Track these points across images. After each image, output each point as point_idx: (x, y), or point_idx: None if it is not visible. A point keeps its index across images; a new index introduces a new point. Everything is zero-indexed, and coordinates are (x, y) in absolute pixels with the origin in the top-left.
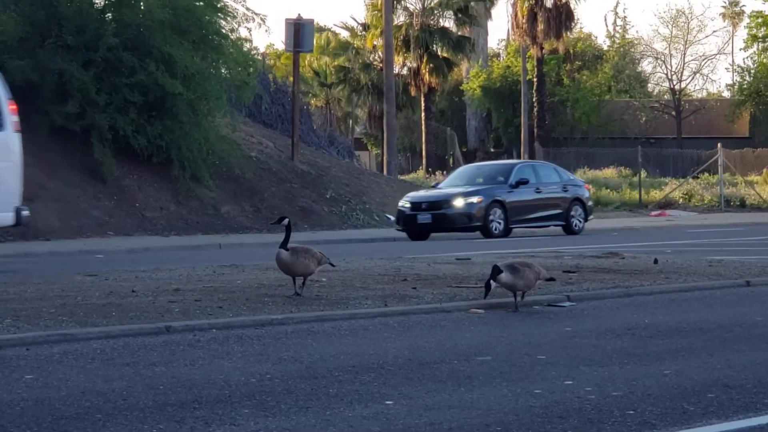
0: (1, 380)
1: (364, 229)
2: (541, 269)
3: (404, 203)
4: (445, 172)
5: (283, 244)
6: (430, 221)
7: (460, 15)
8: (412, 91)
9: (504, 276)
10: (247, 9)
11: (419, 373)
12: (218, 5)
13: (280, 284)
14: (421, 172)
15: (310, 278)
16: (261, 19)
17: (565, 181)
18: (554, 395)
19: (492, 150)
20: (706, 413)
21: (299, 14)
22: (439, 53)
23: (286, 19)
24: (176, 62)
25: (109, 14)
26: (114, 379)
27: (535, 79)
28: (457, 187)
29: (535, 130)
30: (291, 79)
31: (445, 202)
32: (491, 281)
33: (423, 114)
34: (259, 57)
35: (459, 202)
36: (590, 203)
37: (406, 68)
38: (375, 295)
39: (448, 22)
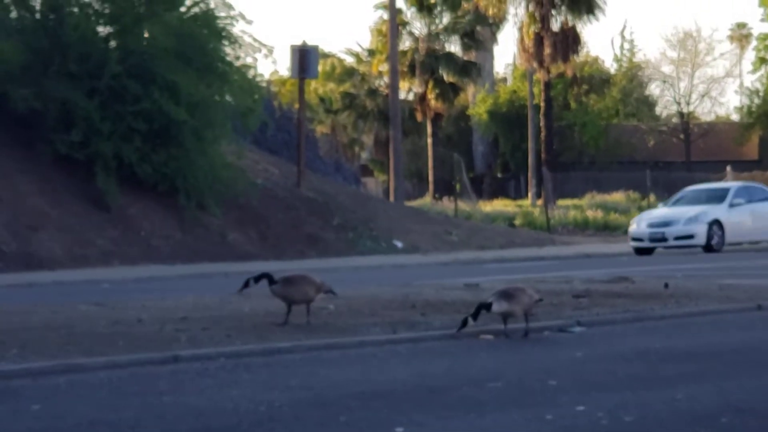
0: (8, 411)
1: (372, 255)
2: (532, 292)
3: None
4: (452, 198)
5: (271, 282)
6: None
7: (466, 40)
8: (419, 117)
9: (499, 305)
10: (254, 39)
11: (429, 400)
12: (223, 33)
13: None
14: (428, 198)
15: (311, 305)
16: (268, 50)
17: None
18: (566, 421)
19: (499, 175)
20: None
21: (304, 41)
22: (445, 78)
23: (291, 46)
24: (181, 90)
25: (113, 42)
26: (122, 408)
27: (542, 103)
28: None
29: (543, 155)
30: (296, 105)
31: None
32: (470, 318)
33: (430, 139)
34: (264, 84)
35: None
36: None
37: (412, 94)
38: (383, 322)
39: (454, 47)
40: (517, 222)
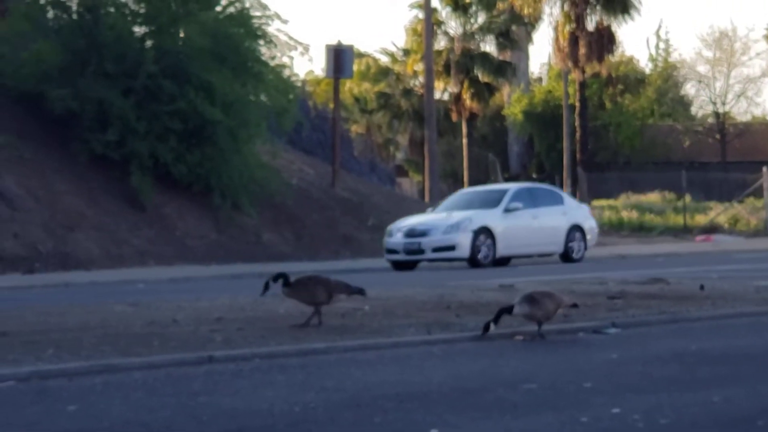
0: (43, 411)
1: None
2: (562, 297)
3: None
4: None
5: (285, 284)
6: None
7: (501, 39)
8: (454, 117)
9: (521, 308)
10: (290, 38)
11: (464, 401)
12: (259, 33)
13: (323, 313)
14: None
15: (335, 305)
16: (303, 47)
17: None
18: (601, 423)
19: (534, 176)
20: None
21: (339, 40)
22: (480, 78)
23: (327, 45)
24: (216, 89)
25: (149, 42)
26: (157, 409)
27: (577, 103)
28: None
29: (578, 155)
30: (331, 105)
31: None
32: (492, 323)
33: (465, 140)
34: (299, 83)
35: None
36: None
37: (447, 93)
38: (418, 323)
39: (489, 47)
40: None
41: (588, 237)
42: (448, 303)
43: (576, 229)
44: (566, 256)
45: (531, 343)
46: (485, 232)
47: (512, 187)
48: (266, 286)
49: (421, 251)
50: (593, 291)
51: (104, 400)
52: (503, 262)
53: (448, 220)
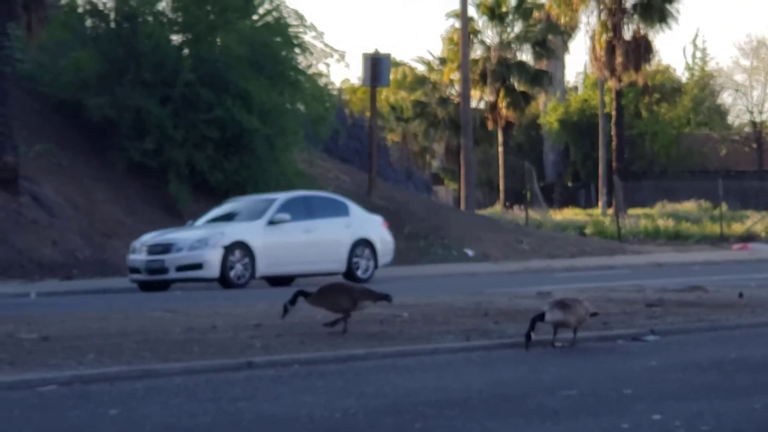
0: (85, 416)
1: (443, 264)
2: (588, 304)
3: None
4: (522, 207)
5: (305, 296)
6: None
7: (537, 48)
8: (489, 126)
9: (553, 314)
10: (326, 45)
11: (504, 408)
12: (296, 41)
13: (360, 319)
14: (498, 207)
15: (365, 312)
16: (339, 55)
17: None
18: (642, 430)
19: (570, 184)
20: None
21: (376, 49)
22: (517, 87)
23: (364, 54)
24: (253, 98)
25: (187, 50)
26: (197, 414)
27: (613, 112)
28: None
29: (614, 164)
30: (368, 113)
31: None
32: (530, 333)
33: (500, 148)
34: (336, 92)
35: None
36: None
37: (483, 102)
38: (457, 330)
39: (526, 56)
40: (588, 231)
41: (379, 254)
42: (485, 310)
43: (363, 245)
44: (350, 275)
45: (569, 350)
46: (241, 247)
47: (281, 196)
48: (285, 310)
49: (164, 270)
50: (631, 299)
51: (145, 404)
52: (284, 281)
53: (196, 234)
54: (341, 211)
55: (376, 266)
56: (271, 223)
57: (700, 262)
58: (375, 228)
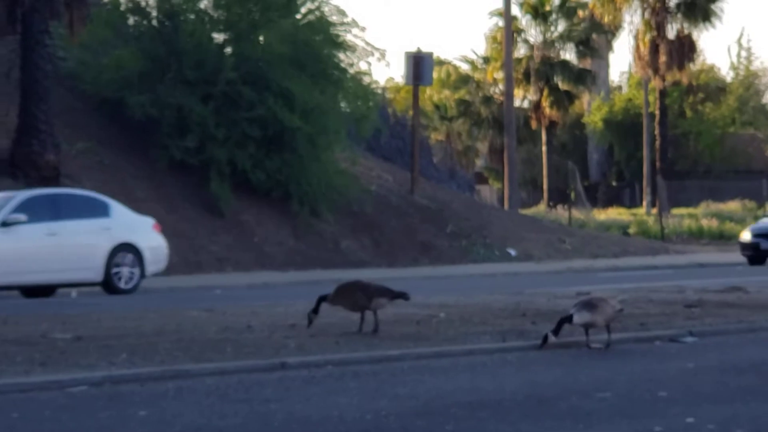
0: (115, 416)
1: (485, 263)
2: (614, 302)
3: None
4: (565, 206)
5: (326, 299)
6: None
7: (581, 47)
8: (533, 125)
9: (581, 316)
10: (367, 43)
11: (537, 410)
12: (338, 40)
13: (396, 320)
14: (542, 206)
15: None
16: (381, 53)
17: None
18: None
19: (614, 184)
20: None
21: (419, 48)
22: (560, 86)
23: (406, 53)
24: (295, 96)
25: (229, 48)
26: (229, 415)
27: (657, 112)
28: None
29: (658, 163)
30: (410, 112)
31: None
32: (551, 333)
33: (544, 147)
34: (379, 90)
35: None
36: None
37: (526, 101)
38: (493, 331)
39: (569, 55)
40: (632, 230)
41: (147, 261)
42: (524, 310)
43: (126, 250)
44: (109, 285)
45: (606, 352)
46: None
47: (20, 194)
48: (310, 320)
49: None
50: (671, 299)
51: (176, 405)
52: (41, 291)
53: None
54: (99, 211)
55: (143, 275)
56: (4, 224)
57: (743, 262)
58: (144, 232)
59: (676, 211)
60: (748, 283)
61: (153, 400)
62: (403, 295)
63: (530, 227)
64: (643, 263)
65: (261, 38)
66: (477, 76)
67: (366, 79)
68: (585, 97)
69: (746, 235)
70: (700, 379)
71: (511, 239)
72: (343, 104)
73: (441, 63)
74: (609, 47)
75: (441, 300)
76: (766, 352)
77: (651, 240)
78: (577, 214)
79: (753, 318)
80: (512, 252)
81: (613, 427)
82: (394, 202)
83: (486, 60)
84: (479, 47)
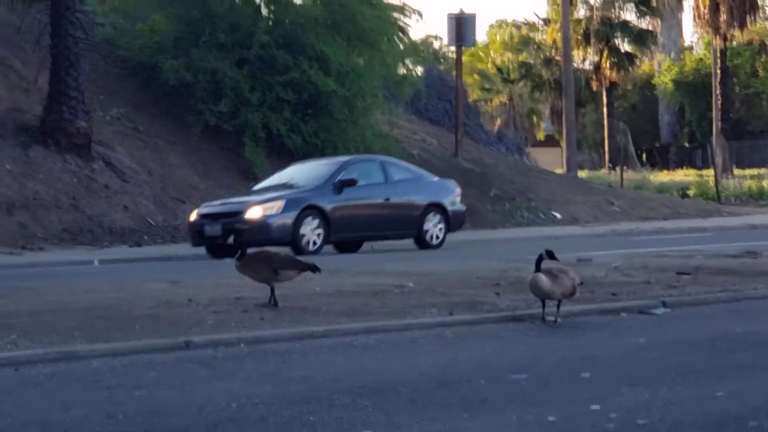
0: None
1: (528, 227)
2: (574, 274)
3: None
4: (626, 169)
5: (239, 257)
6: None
7: (641, 7)
8: (594, 86)
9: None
10: (405, 5)
11: (430, 396)
12: (374, 1)
13: (356, 291)
14: (603, 170)
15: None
16: (418, 14)
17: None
18: (568, 423)
19: (687, 144)
20: None
21: (461, 9)
22: (620, 47)
23: (449, 14)
24: (330, 60)
25: (263, 12)
26: (77, 405)
27: (718, 71)
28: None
29: (720, 123)
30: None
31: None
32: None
33: (605, 109)
34: (423, 53)
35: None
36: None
37: (587, 63)
38: (446, 303)
39: (630, 15)
40: (691, 192)
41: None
42: (502, 279)
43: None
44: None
45: (555, 327)
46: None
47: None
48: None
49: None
50: (667, 265)
51: (29, 394)
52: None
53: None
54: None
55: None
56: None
57: None
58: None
59: (747, 171)
60: None
61: (12, 387)
62: (312, 268)
63: (578, 190)
64: (691, 225)
65: (295, 1)
66: (538, 38)
67: (405, 41)
68: (656, 58)
69: None
70: (639, 357)
71: (558, 202)
72: (380, 67)
73: (504, 25)
74: (680, 7)
75: (428, 268)
76: (735, 324)
77: (707, 202)
78: (633, 175)
79: (741, 287)
80: (557, 215)
81: (501, 417)
82: (436, 165)
83: (546, 22)
84: (541, 9)
